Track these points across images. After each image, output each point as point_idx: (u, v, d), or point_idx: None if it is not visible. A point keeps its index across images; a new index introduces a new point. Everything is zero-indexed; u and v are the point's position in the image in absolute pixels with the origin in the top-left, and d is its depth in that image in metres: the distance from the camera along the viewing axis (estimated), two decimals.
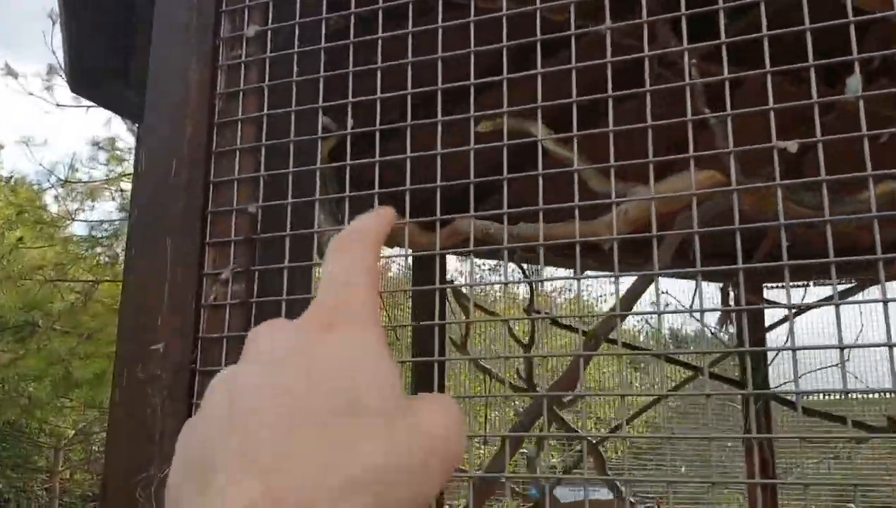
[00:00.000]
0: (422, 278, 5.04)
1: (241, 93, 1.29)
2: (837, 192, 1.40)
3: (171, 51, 1.34)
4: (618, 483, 5.27)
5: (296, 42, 1.26)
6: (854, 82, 0.89)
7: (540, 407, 2.45)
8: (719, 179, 1.46)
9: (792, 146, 0.91)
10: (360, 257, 0.41)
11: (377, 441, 0.33)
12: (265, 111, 1.26)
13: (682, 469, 8.45)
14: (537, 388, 5.69)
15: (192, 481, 0.33)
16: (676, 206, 1.54)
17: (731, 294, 5.09)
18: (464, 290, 4.92)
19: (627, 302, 1.99)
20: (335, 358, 0.36)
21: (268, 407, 0.33)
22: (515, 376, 6.11)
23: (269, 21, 1.30)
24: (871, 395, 4.98)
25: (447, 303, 5.42)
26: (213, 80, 1.31)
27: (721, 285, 5.21)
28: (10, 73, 11.64)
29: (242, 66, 1.30)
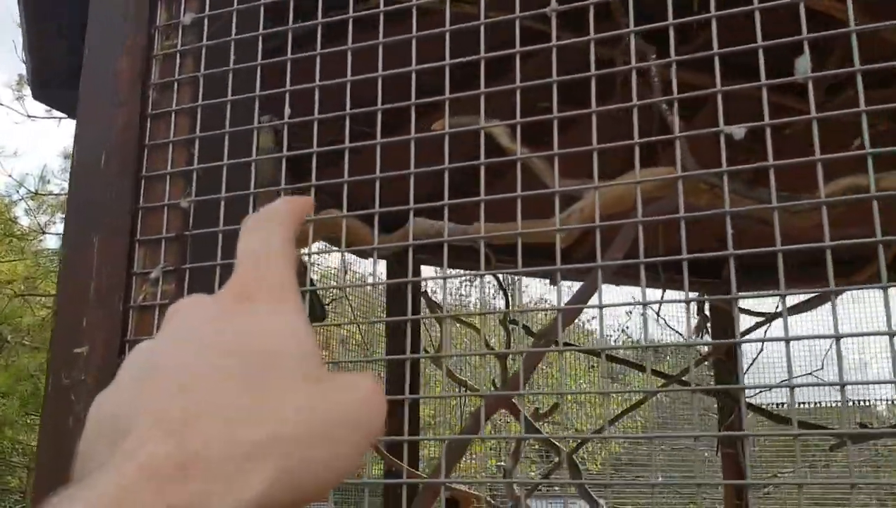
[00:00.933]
0: (397, 297, 4.98)
1: (175, 84, 1.22)
2: (795, 190, 1.36)
3: (103, 40, 1.28)
4: (593, 494, 5.21)
5: (233, 29, 1.20)
6: (803, 63, 0.84)
7: (481, 412, 2.39)
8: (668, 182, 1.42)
9: (738, 132, 0.86)
10: (276, 232, 0.41)
11: (289, 403, 0.33)
12: (199, 102, 1.19)
13: (660, 479, 8.42)
14: (514, 398, 5.63)
15: (103, 445, 0.32)
16: (630, 203, 1.50)
17: (707, 304, 5.06)
18: (437, 301, 4.87)
19: (576, 303, 1.94)
20: (252, 324, 0.36)
21: (181, 368, 0.33)
22: (492, 387, 6.05)
23: (206, 8, 1.23)
24: (847, 403, 4.96)
25: (422, 317, 5.36)
26: (147, 71, 1.24)
27: (697, 293, 5.19)
28: None
29: (178, 55, 1.24)
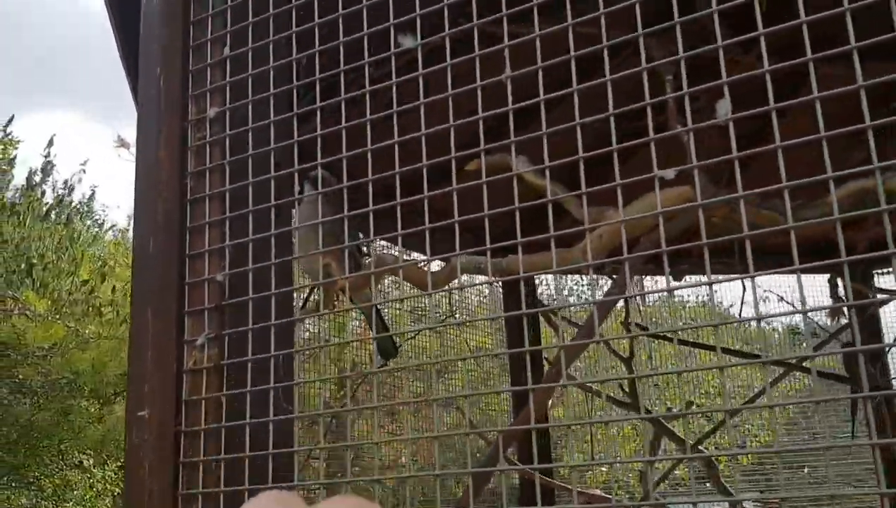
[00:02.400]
0: (511, 303, 5.09)
1: (207, 172, 1.40)
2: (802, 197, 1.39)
3: (147, 134, 1.47)
4: (730, 488, 5.14)
5: (249, 118, 1.36)
6: (722, 108, 0.91)
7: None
8: (689, 195, 1.47)
9: (668, 173, 0.93)
10: None
11: None
12: (227, 186, 1.36)
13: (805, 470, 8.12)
14: (639, 401, 5.61)
15: None
16: (645, 227, 1.56)
17: (840, 285, 4.90)
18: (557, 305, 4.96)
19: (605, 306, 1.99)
20: None
21: None
22: (620, 391, 6.05)
23: (227, 101, 1.40)
24: None
25: (540, 324, 5.45)
26: (184, 160, 1.42)
27: (828, 276, 5.02)
28: (122, 144, 12.39)
29: (207, 146, 1.41)
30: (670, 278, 1.22)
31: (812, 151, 0.97)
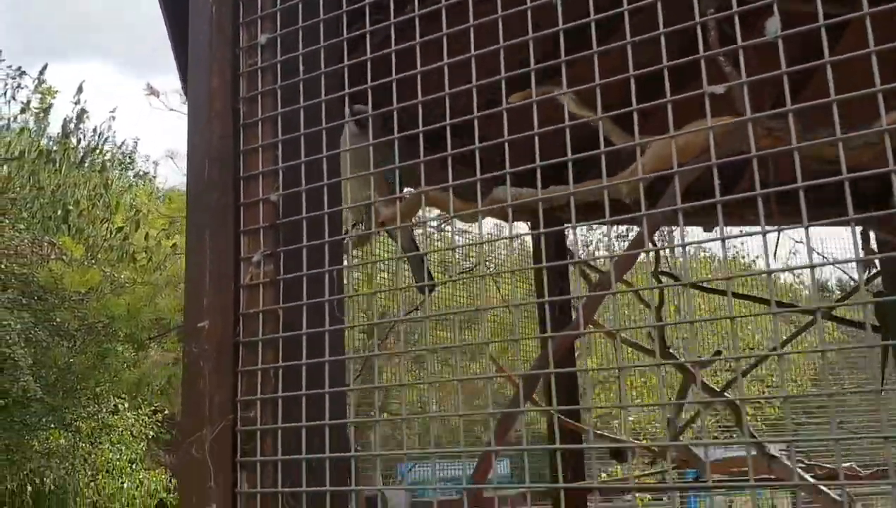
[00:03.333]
0: (540, 255, 5.14)
1: (259, 96, 1.45)
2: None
3: (199, 63, 1.52)
4: (757, 436, 5.19)
5: (300, 44, 1.41)
6: (772, 26, 0.94)
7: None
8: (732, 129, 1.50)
9: (718, 89, 0.97)
10: None
11: None
12: (279, 110, 1.42)
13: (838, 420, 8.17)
14: (670, 349, 5.67)
15: None
16: (689, 154, 1.59)
17: (872, 235, 4.89)
18: (583, 257, 4.99)
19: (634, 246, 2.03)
20: None
21: None
22: (647, 340, 6.10)
23: (278, 29, 1.45)
24: None
25: (570, 274, 5.49)
26: (236, 87, 1.48)
27: (861, 228, 5.00)
28: (153, 92, 12.48)
29: (259, 71, 1.46)
30: (713, 230, 1.25)
31: (866, 81, 0.99)
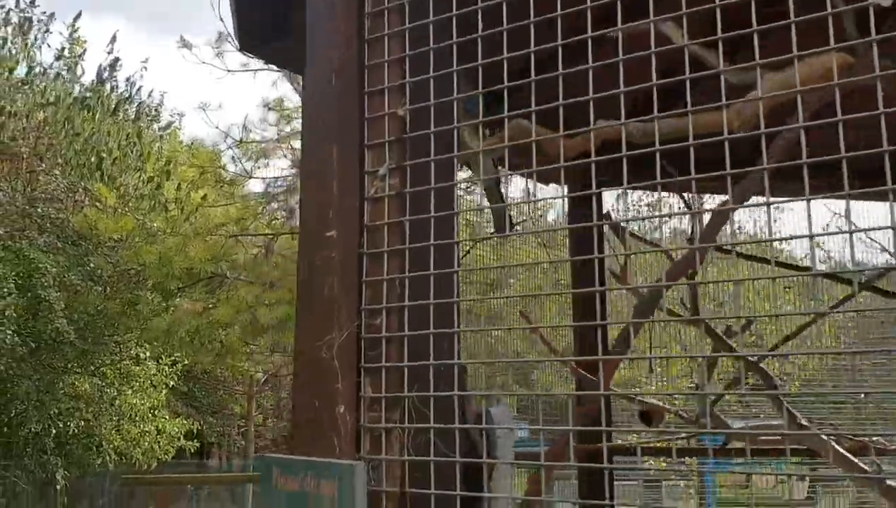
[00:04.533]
0: (579, 216, 5.13)
1: (386, 11, 1.46)
2: None
3: None
4: (791, 409, 5.20)
5: None
6: None
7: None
8: (846, 61, 1.50)
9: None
10: None
11: None
12: (407, 25, 1.43)
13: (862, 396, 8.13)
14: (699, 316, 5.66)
15: None
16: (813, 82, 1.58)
17: None
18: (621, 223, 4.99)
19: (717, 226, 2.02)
20: None
21: None
22: (680, 306, 6.10)
23: None
24: None
25: (605, 238, 5.49)
26: (361, 4, 1.49)
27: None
28: (185, 45, 12.47)
29: None
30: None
31: None
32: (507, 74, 1.34)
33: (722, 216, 1.68)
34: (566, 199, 5.13)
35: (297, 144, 12.94)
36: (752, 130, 1.35)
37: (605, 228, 5.25)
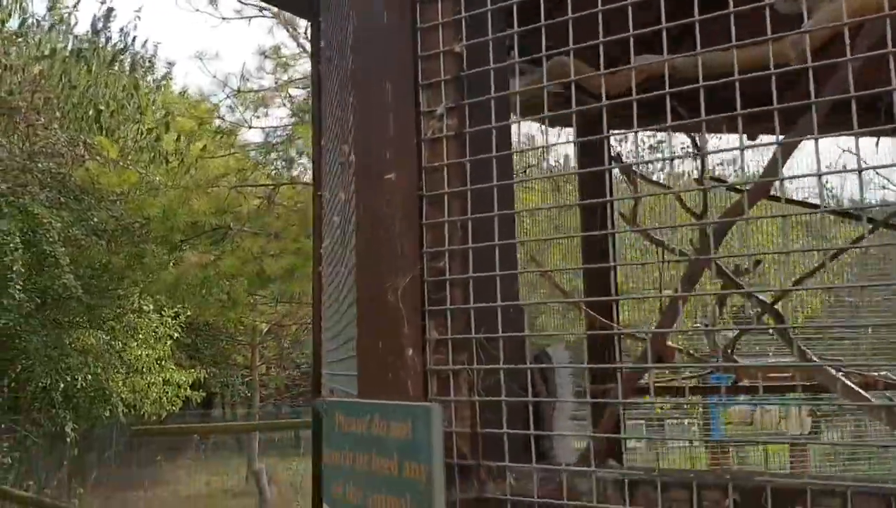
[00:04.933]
0: (586, 158, 5.09)
1: None
2: None
3: None
4: (800, 345, 5.22)
5: None
6: None
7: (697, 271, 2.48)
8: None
9: None
10: None
11: None
12: None
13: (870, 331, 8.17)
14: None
15: None
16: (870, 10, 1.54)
17: None
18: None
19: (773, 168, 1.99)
20: None
21: None
22: (689, 246, 6.10)
23: None
24: None
25: (613, 180, 5.45)
26: None
27: None
28: None
29: None
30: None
31: None
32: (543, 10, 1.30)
33: (786, 150, 1.65)
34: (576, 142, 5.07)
35: (296, 92, 12.82)
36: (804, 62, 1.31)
37: (616, 171, 5.22)
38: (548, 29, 1.31)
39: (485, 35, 1.35)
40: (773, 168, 1.64)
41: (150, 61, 16.53)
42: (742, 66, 1.29)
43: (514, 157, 1.47)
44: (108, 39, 12.84)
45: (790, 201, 5.52)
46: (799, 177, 1.40)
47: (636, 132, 1.31)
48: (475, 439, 1.28)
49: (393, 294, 1.34)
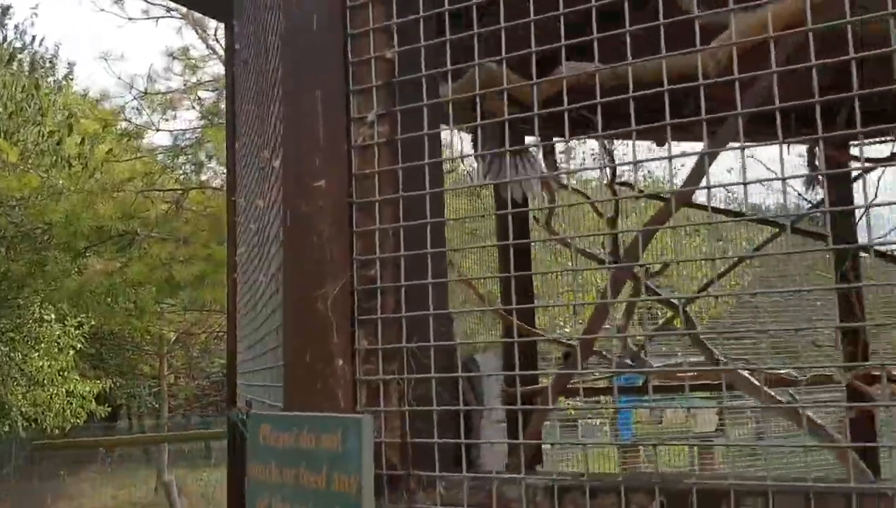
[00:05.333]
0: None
1: None
2: None
3: None
4: (708, 344, 5.39)
5: None
6: None
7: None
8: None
9: None
10: None
11: None
12: None
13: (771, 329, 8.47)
14: (621, 262, 5.79)
15: None
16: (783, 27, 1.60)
17: (818, 153, 5.02)
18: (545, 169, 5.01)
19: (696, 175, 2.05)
20: None
21: None
22: (602, 249, 6.23)
23: None
24: None
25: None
26: None
27: (807, 146, 5.15)
28: None
29: None
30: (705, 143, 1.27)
31: None
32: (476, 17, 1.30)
33: (701, 164, 1.70)
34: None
35: (205, 95, 12.55)
36: (726, 74, 1.35)
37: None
38: (476, 37, 1.32)
39: (417, 42, 1.35)
40: (696, 176, 1.68)
41: (50, 61, 15.92)
42: (660, 77, 1.33)
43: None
44: (4, 38, 12.30)
45: (701, 207, 5.69)
46: (722, 186, 1.44)
47: (567, 141, 1.33)
48: (405, 449, 1.27)
49: (322, 302, 1.32)
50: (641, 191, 5.63)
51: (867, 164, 5.18)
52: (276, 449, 1.39)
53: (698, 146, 1.94)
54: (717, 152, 1.67)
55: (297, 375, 1.39)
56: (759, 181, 1.39)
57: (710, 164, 1.57)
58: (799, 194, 5.97)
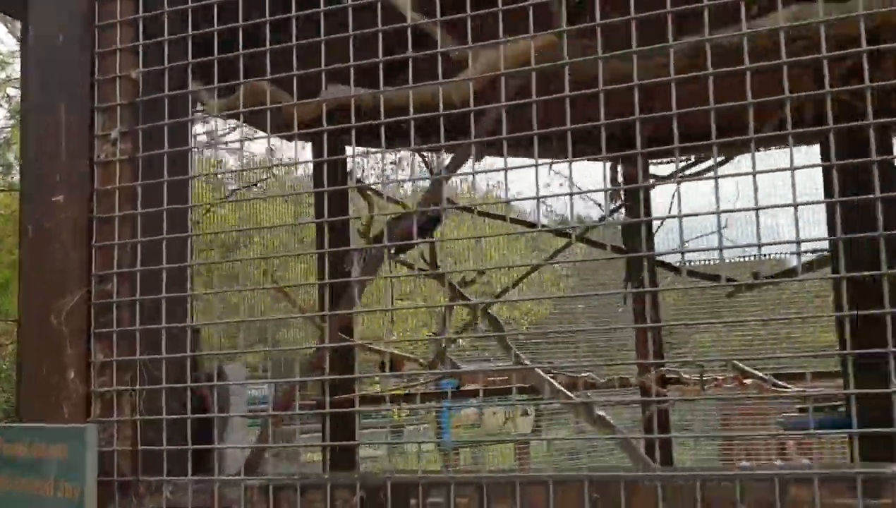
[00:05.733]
0: (321, 179, 5.20)
1: None
2: None
3: None
4: (513, 347, 5.65)
5: None
6: None
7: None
8: (552, 41, 1.69)
9: None
10: None
11: None
12: None
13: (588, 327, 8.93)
14: (438, 269, 5.99)
15: None
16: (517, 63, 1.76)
17: (620, 169, 5.38)
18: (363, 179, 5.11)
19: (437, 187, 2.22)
20: None
21: None
22: (421, 260, 6.40)
23: None
24: (741, 259, 5.54)
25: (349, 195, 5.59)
26: None
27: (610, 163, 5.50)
28: None
29: None
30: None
31: None
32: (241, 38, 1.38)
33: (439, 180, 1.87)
34: (311, 156, 5.17)
35: (15, 92, 11.84)
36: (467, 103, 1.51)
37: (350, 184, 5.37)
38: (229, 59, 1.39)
39: (163, 63, 1.40)
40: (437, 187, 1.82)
41: None
42: (421, 103, 1.47)
43: (248, 169, 1.51)
44: None
45: (513, 221, 5.96)
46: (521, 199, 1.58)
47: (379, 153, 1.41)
48: (135, 456, 1.32)
49: (56, 316, 1.35)
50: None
51: (651, 180, 5.61)
52: (8, 459, 1.40)
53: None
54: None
55: (32, 387, 1.40)
56: (556, 195, 1.54)
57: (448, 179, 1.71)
58: (600, 206, 6.39)
